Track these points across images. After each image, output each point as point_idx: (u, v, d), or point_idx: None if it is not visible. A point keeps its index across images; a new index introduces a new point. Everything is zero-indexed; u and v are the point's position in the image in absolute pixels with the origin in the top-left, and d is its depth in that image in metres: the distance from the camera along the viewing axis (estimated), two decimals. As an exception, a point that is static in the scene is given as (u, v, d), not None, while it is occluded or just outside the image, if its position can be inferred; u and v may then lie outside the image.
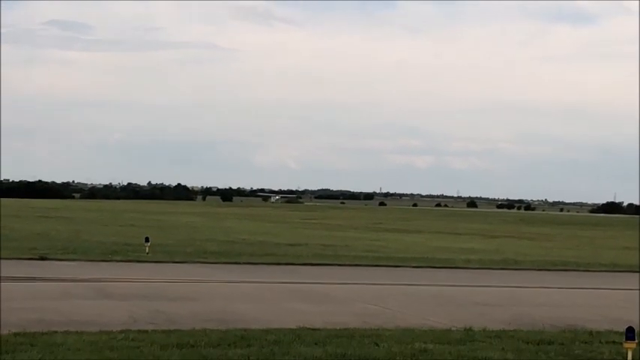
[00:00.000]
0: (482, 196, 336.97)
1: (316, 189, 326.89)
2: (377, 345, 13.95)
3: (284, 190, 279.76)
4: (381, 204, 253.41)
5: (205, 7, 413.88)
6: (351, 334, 15.05)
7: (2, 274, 23.62)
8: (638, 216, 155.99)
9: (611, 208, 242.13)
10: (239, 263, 31.65)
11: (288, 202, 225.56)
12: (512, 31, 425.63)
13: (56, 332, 14.46)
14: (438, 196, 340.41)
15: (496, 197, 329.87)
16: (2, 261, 27.99)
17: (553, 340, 15.15)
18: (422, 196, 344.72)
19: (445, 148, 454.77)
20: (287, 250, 39.69)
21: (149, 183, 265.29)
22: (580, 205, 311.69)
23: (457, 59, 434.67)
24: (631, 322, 14.71)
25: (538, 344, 14.70)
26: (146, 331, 14.87)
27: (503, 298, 23.45)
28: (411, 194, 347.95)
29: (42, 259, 29.85)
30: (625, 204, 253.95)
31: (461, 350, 13.67)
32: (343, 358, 12.68)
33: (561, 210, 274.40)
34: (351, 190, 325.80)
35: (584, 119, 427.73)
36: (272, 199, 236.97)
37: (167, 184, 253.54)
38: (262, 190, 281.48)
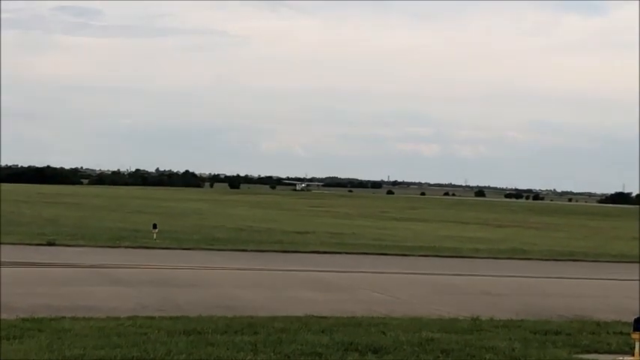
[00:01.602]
0: (491, 186, 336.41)
1: (324, 177, 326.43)
2: (384, 333, 13.94)
3: (292, 178, 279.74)
4: (389, 192, 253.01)
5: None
6: (358, 323, 15.05)
7: (12, 260, 23.74)
8: None
9: (620, 198, 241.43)
10: (246, 250, 31.70)
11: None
12: (522, 20, 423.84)
13: (64, 318, 14.51)
14: (446, 185, 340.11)
15: (504, 186, 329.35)
16: (11, 246, 28.16)
17: (560, 330, 15.13)
18: (430, 184, 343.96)
19: (453, 136, 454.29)
20: (294, 237, 39.69)
21: (157, 169, 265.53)
22: (588, 195, 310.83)
23: (466, 47, 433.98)
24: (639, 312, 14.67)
25: (545, 334, 14.68)
26: (153, 318, 14.90)
27: (510, 288, 23.44)
28: (419, 183, 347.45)
29: (50, 244, 29.94)
30: (634, 194, 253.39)
31: (468, 339, 13.65)
32: (350, 346, 12.66)
33: (570, 200, 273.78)
34: (359, 178, 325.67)
35: (594, 108, 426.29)
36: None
37: (175, 171, 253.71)
38: (270, 178, 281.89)
